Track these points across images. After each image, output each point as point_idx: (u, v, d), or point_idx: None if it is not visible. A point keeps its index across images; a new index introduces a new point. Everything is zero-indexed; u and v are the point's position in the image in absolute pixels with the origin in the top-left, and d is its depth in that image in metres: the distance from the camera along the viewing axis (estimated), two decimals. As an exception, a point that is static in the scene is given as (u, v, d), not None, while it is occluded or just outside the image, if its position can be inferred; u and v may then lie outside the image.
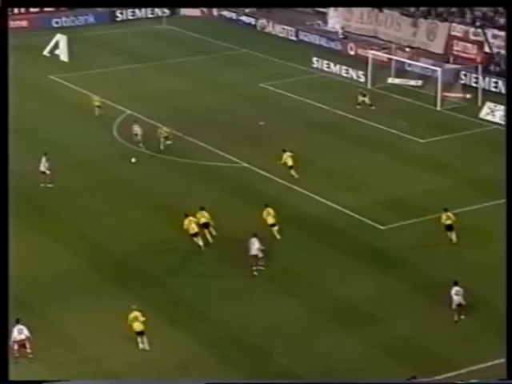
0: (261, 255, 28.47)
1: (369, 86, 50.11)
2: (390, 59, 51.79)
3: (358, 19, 60.89)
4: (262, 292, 27.46)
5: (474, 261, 28.95)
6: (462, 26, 53.44)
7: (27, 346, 23.59)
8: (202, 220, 30.59)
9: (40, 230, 31.51)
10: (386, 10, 58.66)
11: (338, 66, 53.34)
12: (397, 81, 50.37)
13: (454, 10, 55.07)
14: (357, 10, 60.89)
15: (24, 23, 64.48)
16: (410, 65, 51.81)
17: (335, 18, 62.68)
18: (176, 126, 42.54)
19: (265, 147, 39.71)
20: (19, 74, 52.14)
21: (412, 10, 57.22)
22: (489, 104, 44.37)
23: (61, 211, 33.30)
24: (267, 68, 54.57)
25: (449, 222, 30.08)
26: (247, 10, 67.69)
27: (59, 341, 24.61)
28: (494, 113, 43.68)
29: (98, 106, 44.39)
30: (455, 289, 25.30)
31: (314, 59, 54.58)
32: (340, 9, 62.26)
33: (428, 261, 29.24)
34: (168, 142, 39.62)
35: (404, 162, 38.62)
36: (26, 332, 23.59)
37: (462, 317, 25.32)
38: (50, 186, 35.27)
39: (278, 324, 25.52)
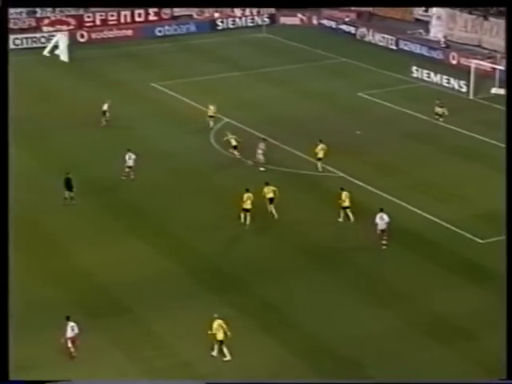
0: (387, 230, 30.58)
1: (470, 97, 49.16)
2: (495, 69, 50.65)
3: (462, 28, 59.90)
4: (355, 302, 27.35)
5: None
6: None
7: (76, 343, 24.13)
8: (270, 195, 33.17)
9: (136, 234, 32.31)
10: (491, 19, 57.44)
11: (438, 76, 52.55)
12: (501, 91, 49.11)
13: None
14: (460, 19, 59.93)
15: (129, 32, 66.57)
16: (515, 74, 50.49)
17: (438, 27, 61.86)
18: (273, 134, 42.89)
19: (361, 157, 39.55)
20: (123, 80, 54.09)
21: (519, 17, 55.75)
22: None
23: (156, 216, 34.03)
24: (366, 77, 54.32)
25: None
26: (347, 19, 67.64)
27: (154, 344, 25.15)
28: None
29: (211, 116, 44.51)
30: None
31: (414, 68, 53.94)
32: (443, 17, 61.42)
33: (528, 277, 28.40)
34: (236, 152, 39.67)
35: (504, 173, 37.57)
36: (76, 329, 24.14)
37: None
38: (132, 177, 37.05)
39: (371, 335, 25.36)
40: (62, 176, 35.17)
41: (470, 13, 59.80)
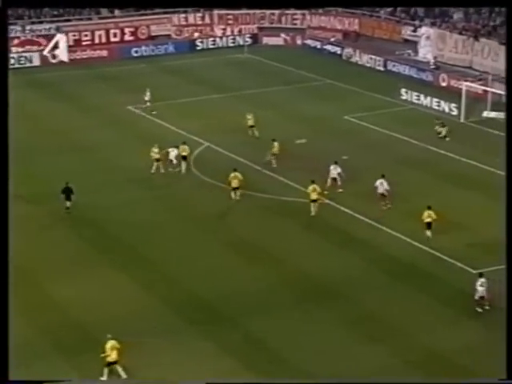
0: (386, 194, 35.66)
1: (462, 120, 49.68)
2: (486, 91, 51.25)
3: (452, 48, 60.62)
4: (345, 338, 27.31)
5: None
6: None
7: None
8: (183, 153, 40.90)
9: (116, 266, 32.13)
10: (482, 39, 58.20)
11: (428, 98, 53.12)
12: (493, 114, 49.75)
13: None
14: (450, 39, 60.66)
15: (104, 53, 66.76)
16: (507, 97, 51.16)
17: (427, 48, 62.59)
18: (255, 159, 43.05)
19: (349, 183, 39.70)
20: (97, 103, 54.12)
21: (512, 38, 56.57)
22: None
23: (136, 246, 33.92)
24: (352, 100, 54.77)
25: (429, 219, 33.28)
26: (332, 39, 68.28)
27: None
28: None
29: (252, 126, 46.43)
30: (480, 280, 28.29)
31: (403, 91, 54.50)
32: (432, 38, 62.12)
33: (526, 309, 28.54)
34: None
35: (501, 201, 37.90)
36: None
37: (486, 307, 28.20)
38: (177, 170, 41.33)
39: (363, 374, 25.25)
40: (41, 203, 35.22)
41: (461, 33, 60.60)
